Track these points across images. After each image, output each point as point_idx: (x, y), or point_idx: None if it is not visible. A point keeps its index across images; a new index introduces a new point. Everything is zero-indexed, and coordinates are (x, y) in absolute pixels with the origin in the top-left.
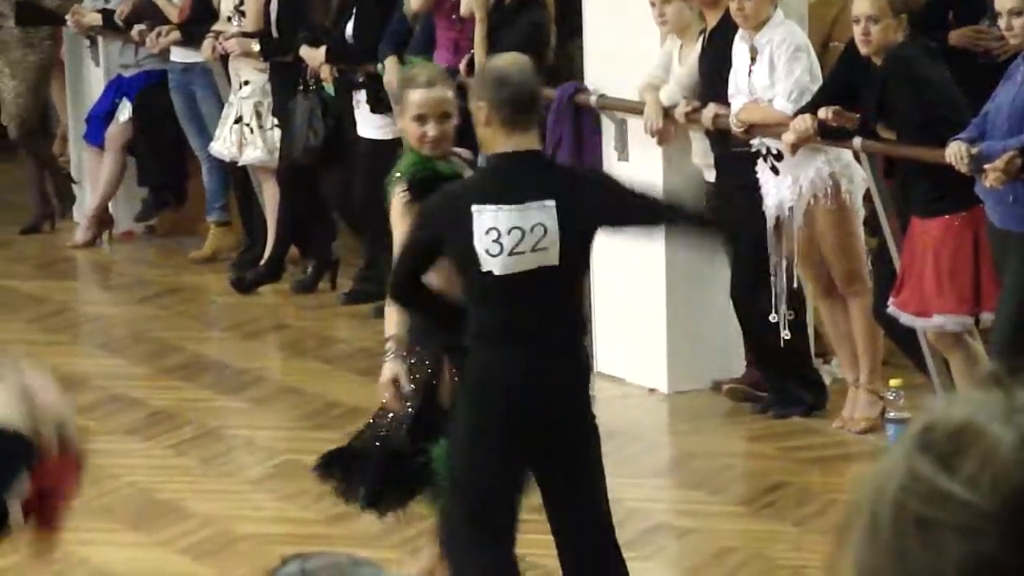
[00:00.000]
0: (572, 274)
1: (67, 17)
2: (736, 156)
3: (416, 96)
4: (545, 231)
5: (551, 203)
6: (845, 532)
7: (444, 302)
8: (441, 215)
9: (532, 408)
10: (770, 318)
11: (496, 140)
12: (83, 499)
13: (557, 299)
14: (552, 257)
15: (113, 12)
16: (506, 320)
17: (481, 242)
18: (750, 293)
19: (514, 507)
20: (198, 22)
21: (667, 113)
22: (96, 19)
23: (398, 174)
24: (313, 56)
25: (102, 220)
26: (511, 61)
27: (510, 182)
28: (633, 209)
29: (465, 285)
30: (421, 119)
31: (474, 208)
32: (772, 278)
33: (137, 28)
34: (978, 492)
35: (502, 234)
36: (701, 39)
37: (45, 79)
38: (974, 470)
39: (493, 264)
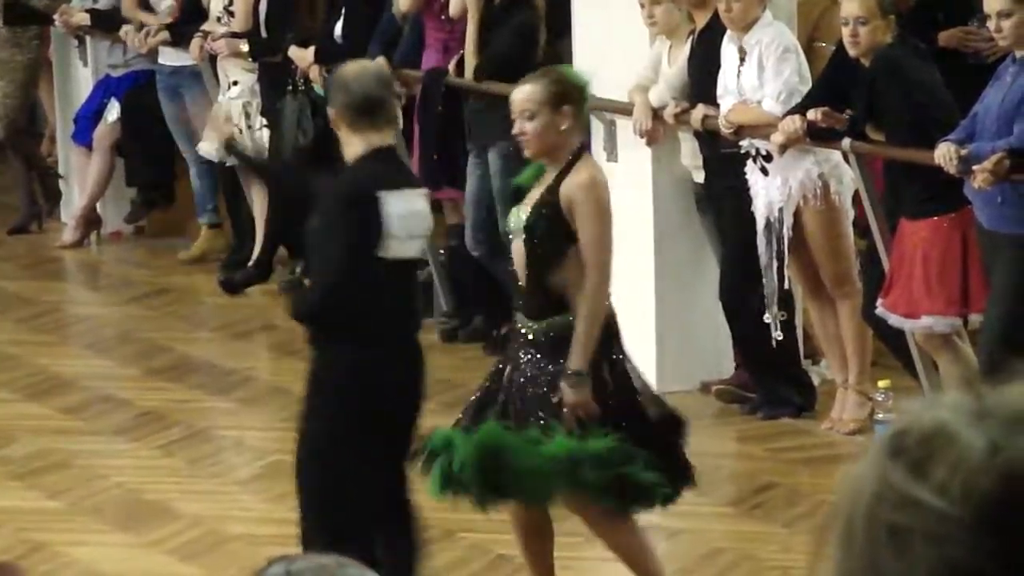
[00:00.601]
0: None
1: (55, 17)
2: (725, 157)
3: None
4: (425, 221)
5: (422, 191)
6: (823, 538)
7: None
8: (357, 209)
9: (405, 400)
10: (762, 319)
11: (351, 143)
12: (71, 500)
13: (413, 289)
14: (421, 247)
15: (101, 12)
16: (393, 308)
17: (391, 226)
18: (739, 294)
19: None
20: (187, 23)
21: (656, 114)
22: (84, 19)
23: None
24: (302, 56)
25: (90, 220)
26: (357, 69)
27: (391, 171)
28: None
29: (354, 271)
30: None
31: (383, 194)
32: (762, 279)
33: (125, 28)
34: (948, 499)
35: (406, 218)
36: (690, 40)
37: (33, 79)
38: (944, 477)
39: (392, 248)
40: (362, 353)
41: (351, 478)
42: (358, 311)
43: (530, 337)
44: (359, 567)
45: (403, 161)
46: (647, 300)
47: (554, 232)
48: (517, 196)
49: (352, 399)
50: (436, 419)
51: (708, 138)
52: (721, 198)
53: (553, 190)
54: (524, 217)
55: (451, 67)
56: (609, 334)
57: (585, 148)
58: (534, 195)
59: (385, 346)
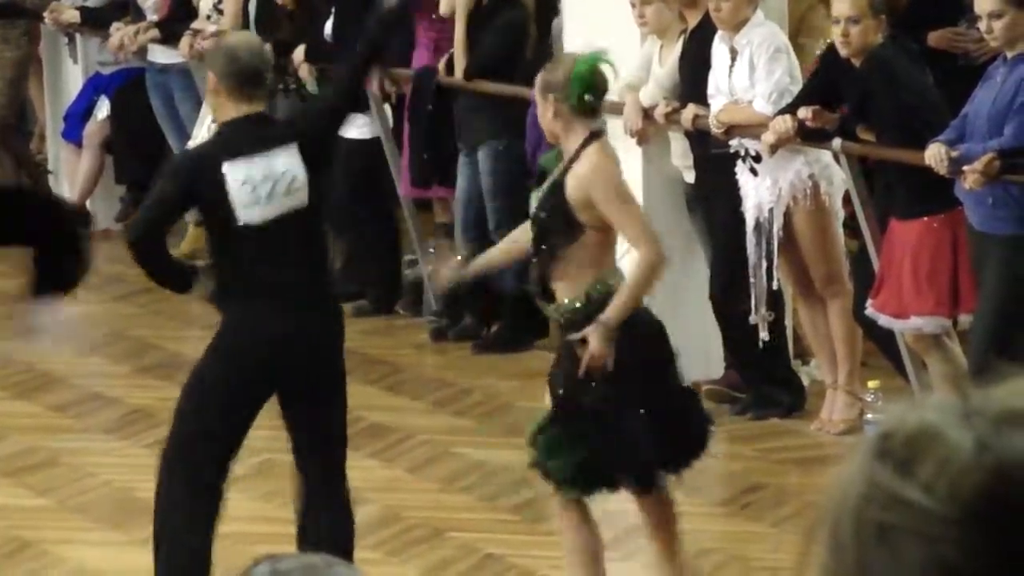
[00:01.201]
0: (319, 213)
1: (45, 14)
2: (716, 157)
3: None
4: (294, 176)
5: (294, 145)
6: (811, 540)
7: (177, 262)
8: (191, 175)
9: (286, 357)
10: (749, 319)
11: (224, 108)
12: (60, 498)
13: (309, 245)
14: (303, 198)
15: (91, 10)
16: (261, 272)
17: (237, 195)
18: (729, 294)
19: (233, 449)
20: (177, 20)
21: (647, 114)
22: (74, 16)
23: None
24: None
25: (83, 218)
26: (243, 40)
27: (250, 138)
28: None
29: (217, 242)
30: None
31: (225, 165)
32: (751, 280)
33: (115, 26)
34: (935, 497)
35: (257, 184)
36: (681, 40)
37: (22, 75)
38: (931, 475)
39: (250, 215)
40: (235, 312)
41: (207, 418)
42: (228, 275)
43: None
44: (348, 566)
45: (271, 124)
46: None
47: (556, 220)
48: (540, 179)
49: (223, 349)
50: (426, 418)
51: (699, 138)
52: (711, 198)
53: (558, 180)
54: (534, 203)
55: (441, 66)
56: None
57: (596, 135)
58: (549, 180)
59: (257, 305)
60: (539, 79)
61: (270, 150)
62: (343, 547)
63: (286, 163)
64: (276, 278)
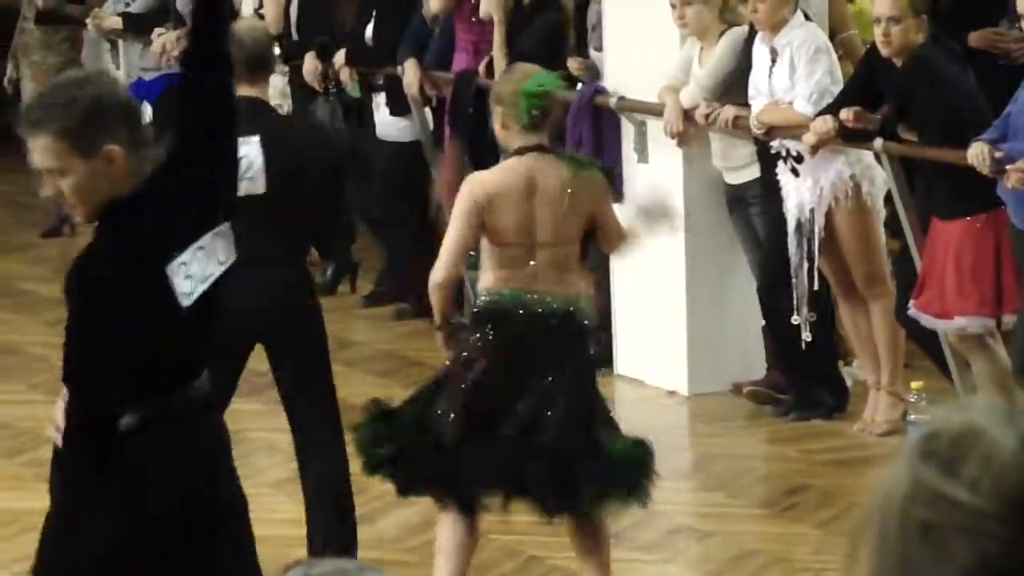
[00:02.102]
0: (279, 203)
1: (87, 20)
2: (759, 157)
3: None
4: (251, 163)
5: (255, 139)
6: (857, 541)
7: None
8: None
9: (248, 322)
10: (792, 319)
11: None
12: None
13: (266, 225)
14: (259, 186)
15: (133, 15)
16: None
17: None
18: (775, 294)
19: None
20: None
21: (687, 115)
22: (116, 23)
23: None
24: (312, 68)
25: None
26: (249, 26)
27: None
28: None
29: None
30: None
31: None
32: (793, 280)
33: (156, 31)
34: (980, 495)
35: None
36: (721, 41)
37: None
38: (976, 473)
39: None
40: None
41: None
42: None
43: None
44: (379, 571)
45: (261, 111)
46: (678, 302)
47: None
48: None
49: None
50: None
51: (745, 139)
52: (756, 199)
53: None
54: None
55: (481, 69)
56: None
57: (523, 151)
58: None
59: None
60: (493, 88)
61: (247, 136)
62: (335, 494)
63: (245, 150)
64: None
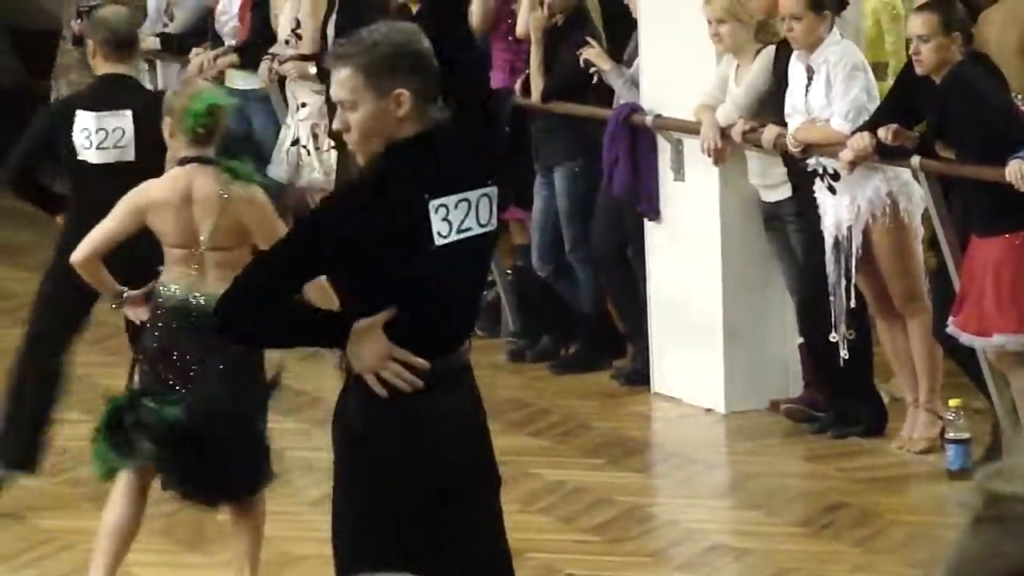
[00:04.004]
0: (147, 170)
1: None
2: (795, 175)
3: None
4: (123, 133)
5: (128, 113)
6: None
7: (49, 191)
8: (54, 118)
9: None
10: (830, 337)
11: (98, 66)
12: (143, 520)
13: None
14: (129, 154)
15: (170, 36)
16: (87, 203)
17: (78, 139)
18: (813, 312)
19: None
20: (256, 46)
21: (724, 133)
22: (153, 42)
23: None
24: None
25: None
26: (113, 11)
27: (101, 96)
28: None
29: (68, 175)
30: None
31: (77, 113)
32: (831, 298)
33: (194, 51)
34: None
35: (92, 132)
36: (757, 59)
37: None
38: None
39: (87, 156)
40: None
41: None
42: (72, 205)
43: None
44: None
45: (132, 87)
46: (715, 319)
47: None
48: None
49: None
50: (504, 439)
51: (781, 157)
52: (793, 217)
53: None
54: None
55: (517, 87)
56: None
57: (187, 161)
58: None
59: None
60: (165, 99)
61: (113, 109)
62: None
63: (117, 122)
64: (92, 208)
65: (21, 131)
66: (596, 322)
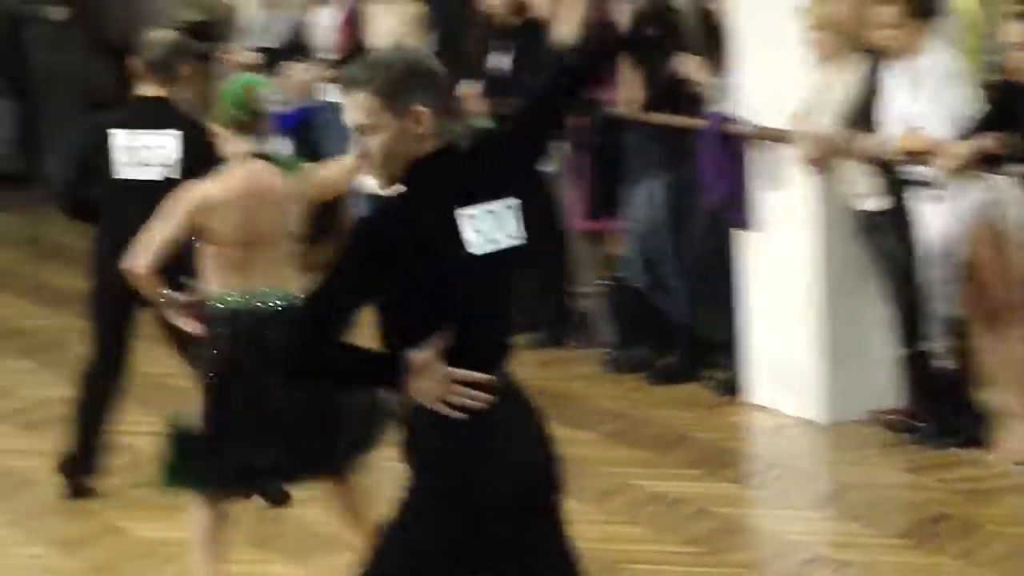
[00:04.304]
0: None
1: (221, 55)
2: (895, 184)
3: None
4: (168, 154)
5: (172, 132)
6: None
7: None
8: (94, 136)
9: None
10: (929, 347)
11: (141, 87)
12: (242, 531)
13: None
14: (175, 172)
15: (266, 50)
16: (119, 219)
17: (115, 154)
18: (911, 323)
19: None
20: (352, 60)
21: (820, 142)
22: (250, 58)
23: None
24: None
25: None
26: (161, 35)
27: (139, 114)
28: None
29: (103, 188)
30: None
31: (115, 130)
32: (930, 307)
33: (291, 66)
34: None
35: (127, 150)
36: (856, 66)
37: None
38: None
39: (123, 172)
40: (102, 238)
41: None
42: (103, 220)
43: None
44: None
45: (158, 108)
46: (813, 329)
47: None
48: None
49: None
50: (601, 450)
51: (880, 166)
52: (891, 226)
53: None
54: None
55: (611, 98)
56: None
57: (239, 157)
58: None
59: (112, 242)
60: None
61: (155, 128)
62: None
63: (153, 140)
64: (128, 227)
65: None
66: (692, 332)
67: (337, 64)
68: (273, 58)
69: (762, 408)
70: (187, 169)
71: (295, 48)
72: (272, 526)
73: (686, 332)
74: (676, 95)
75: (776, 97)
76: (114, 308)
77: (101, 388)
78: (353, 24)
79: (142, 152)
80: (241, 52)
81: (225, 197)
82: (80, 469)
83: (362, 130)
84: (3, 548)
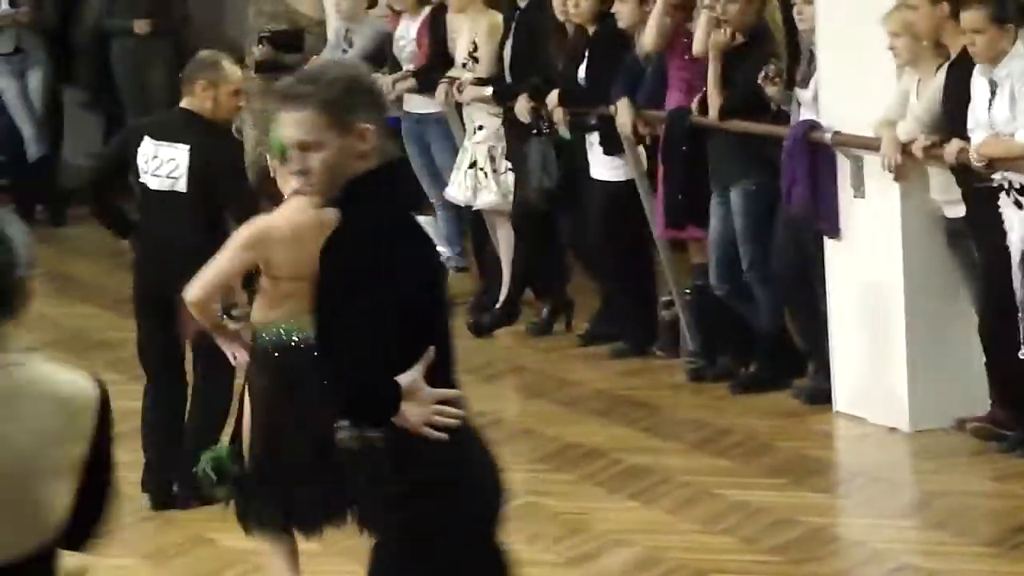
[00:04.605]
0: (200, 201)
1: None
2: (979, 191)
3: None
4: (177, 165)
5: (184, 147)
6: None
7: (120, 210)
8: (126, 139)
9: (161, 285)
10: (1019, 355)
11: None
12: (325, 541)
13: (181, 221)
14: (181, 185)
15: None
16: (146, 223)
17: (140, 163)
18: (996, 330)
19: None
20: (433, 69)
21: (905, 149)
22: None
23: None
24: (523, 107)
25: None
26: (205, 55)
27: (165, 125)
28: None
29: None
30: None
31: (143, 138)
32: (1019, 315)
33: (373, 76)
34: None
35: (149, 160)
36: (939, 73)
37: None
38: None
39: (146, 180)
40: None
41: None
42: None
43: None
44: None
45: (184, 121)
46: (898, 337)
47: None
48: None
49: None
50: (685, 459)
51: (962, 173)
52: (976, 233)
53: None
54: None
55: (694, 106)
56: None
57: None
58: None
59: (139, 243)
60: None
61: (171, 142)
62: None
63: (171, 153)
64: (150, 229)
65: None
66: (775, 341)
67: (417, 74)
68: None
69: (847, 416)
70: (199, 182)
71: (376, 59)
72: (354, 536)
73: (769, 341)
74: (759, 103)
75: (860, 104)
76: (148, 311)
77: (165, 401)
78: (433, 34)
79: (156, 162)
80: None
81: (284, 230)
82: (163, 481)
83: (303, 147)
84: (92, 560)
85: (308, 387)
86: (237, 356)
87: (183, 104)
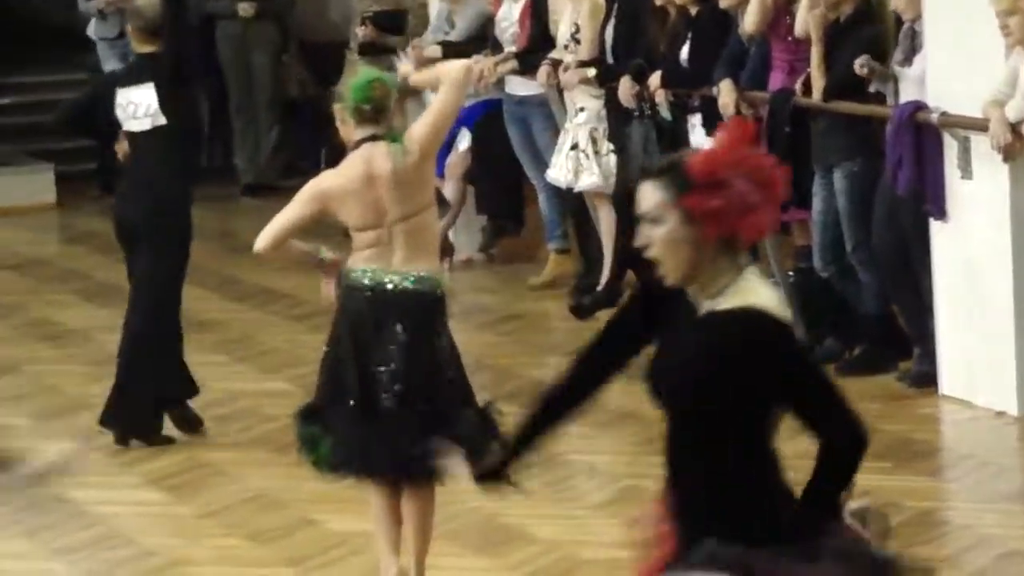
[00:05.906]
0: (176, 130)
1: (408, 50)
2: None
3: None
4: (151, 104)
5: (151, 85)
6: None
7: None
8: (98, 92)
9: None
10: None
11: (135, 47)
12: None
13: (165, 152)
14: (160, 119)
15: (452, 43)
16: (130, 164)
17: (118, 112)
18: None
19: None
20: (535, 51)
21: (1014, 129)
22: (436, 51)
23: None
24: (627, 88)
25: (443, 248)
26: (148, 2)
27: (134, 73)
28: None
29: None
30: None
31: (117, 89)
32: None
33: (475, 57)
34: None
35: (126, 105)
36: None
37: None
38: None
39: (128, 126)
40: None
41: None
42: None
43: None
44: None
45: (150, 65)
46: (1006, 319)
47: None
48: None
49: None
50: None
51: None
52: None
53: None
54: None
55: (798, 87)
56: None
57: (362, 142)
58: None
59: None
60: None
61: (140, 83)
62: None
63: (141, 95)
64: (131, 169)
65: (313, 138)
66: (881, 323)
67: (519, 56)
68: (457, 50)
69: (954, 400)
70: (174, 110)
71: (478, 40)
72: (456, 519)
73: (875, 323)
74: (862, 83)
75: (968, 84)
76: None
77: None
78: (535, 15)
79: (138, 106)
80: (428, 46)
81: (344, 185)
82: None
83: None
84: (197, 539)
85: (376, 333)
86: (326, 289)
87: (143, 50)
